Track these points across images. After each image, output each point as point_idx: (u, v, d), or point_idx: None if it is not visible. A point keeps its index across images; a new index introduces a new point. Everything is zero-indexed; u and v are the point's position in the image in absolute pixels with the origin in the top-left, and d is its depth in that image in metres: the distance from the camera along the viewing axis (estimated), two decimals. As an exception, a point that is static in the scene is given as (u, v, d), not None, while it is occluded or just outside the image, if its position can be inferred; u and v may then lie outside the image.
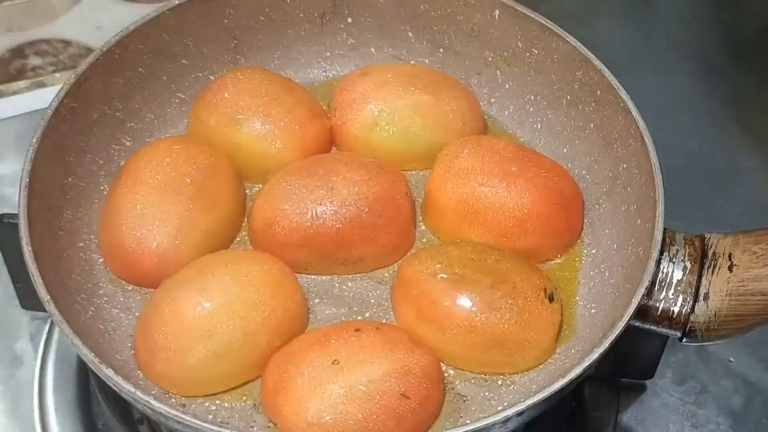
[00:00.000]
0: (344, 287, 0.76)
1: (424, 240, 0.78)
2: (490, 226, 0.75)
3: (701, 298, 0.70)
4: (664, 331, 0.71)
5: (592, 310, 0.74)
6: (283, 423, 0.67)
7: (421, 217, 0.79)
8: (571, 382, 0.64)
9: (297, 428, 0.65)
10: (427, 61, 0.86)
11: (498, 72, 0.85)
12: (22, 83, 1.05)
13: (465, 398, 0.71)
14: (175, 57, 0.83)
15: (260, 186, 0.78)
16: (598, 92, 0.78)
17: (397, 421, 0.66)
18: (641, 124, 0.73)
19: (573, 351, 0.72)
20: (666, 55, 1.10)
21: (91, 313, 0.73)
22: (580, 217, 0.78)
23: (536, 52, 0.82)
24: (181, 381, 0.69)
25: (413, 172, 0.81)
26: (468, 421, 0.69)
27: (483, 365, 0.71)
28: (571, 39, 0.79)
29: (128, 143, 0.81)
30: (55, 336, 0.86)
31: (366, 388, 0.66)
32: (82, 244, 0.76)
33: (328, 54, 0.88)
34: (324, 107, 0.83)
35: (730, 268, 0.70)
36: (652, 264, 0.68)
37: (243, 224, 0.78)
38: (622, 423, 0.83)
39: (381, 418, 0.65)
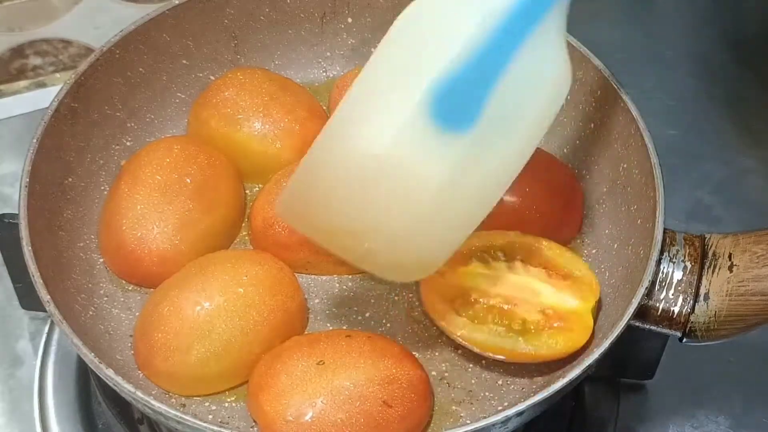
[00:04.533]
0: (344, 287, 0.76)
1: (424, 240, 0.78)
2: (490, 222, 0.75)
3: (701, 298, 0.70)
4: (664, 331, 0.71)
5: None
6: (264, 420, 0.66)
7: (421, 217, 0.79)
8: (571, 382, 0.64)
9: (276, 426, 0.65)
10: (427, 61, 0.86)
11: (498, 72, 0.85)
12: (22, 83, 1.05)
13: (465, 398, 0.71)
14: (175, 57, 0.83)
15: (260, 186, 0.78)
16: (598, 92, 0.78)
17: (376, 428, 0.66)
18: (641, 124, 0.73)
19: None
20: (666, 55, 1.10)
21: (91, 313, 0.73)
22: (579, 212, 0.78)
23: (536, 52, 0.82)
24: (180, 380, 0.69)
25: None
26: (468, 421, 0.69)
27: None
28: (571, 39, 0.79)
29: (128, 143, 0.81)
30: (55, 336, 0.86)
31: (348, 392, 0.66)
32: (82, 244, 0.76)
33: (328, 54, 0.88)
34: (324, 107, 0.83)
35: (730, 269, 0.70)
36: (652, 264, 0.68)
37: (243, 224, 0.78)
38: (622, 423, 0.83)
39: (360, 422, 0.65)
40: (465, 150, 0.58)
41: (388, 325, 0.74)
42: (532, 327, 0.69)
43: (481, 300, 0.71)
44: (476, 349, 0.71)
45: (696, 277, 0.70)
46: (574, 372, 0.64)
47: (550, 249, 0.72)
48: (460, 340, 0.71)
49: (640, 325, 0.70)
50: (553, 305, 0.70)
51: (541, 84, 0.59)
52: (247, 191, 0.80)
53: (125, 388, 0.64)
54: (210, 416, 0.69)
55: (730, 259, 0.70)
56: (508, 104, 0.58)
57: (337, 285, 0.76)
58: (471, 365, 0.72)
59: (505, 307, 0.70)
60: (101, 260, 0.76)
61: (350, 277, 0.76)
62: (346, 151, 0.58)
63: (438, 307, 0.71)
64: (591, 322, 0.70)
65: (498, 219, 0.74)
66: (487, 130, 0.58)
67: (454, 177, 0.58)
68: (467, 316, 0.70)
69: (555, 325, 0.69)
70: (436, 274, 0.68)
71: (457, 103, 0.57)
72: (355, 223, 0.60)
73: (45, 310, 0.66)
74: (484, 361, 0.72)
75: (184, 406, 0.70)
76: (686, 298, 0.70)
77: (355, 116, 0.58)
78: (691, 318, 0.70)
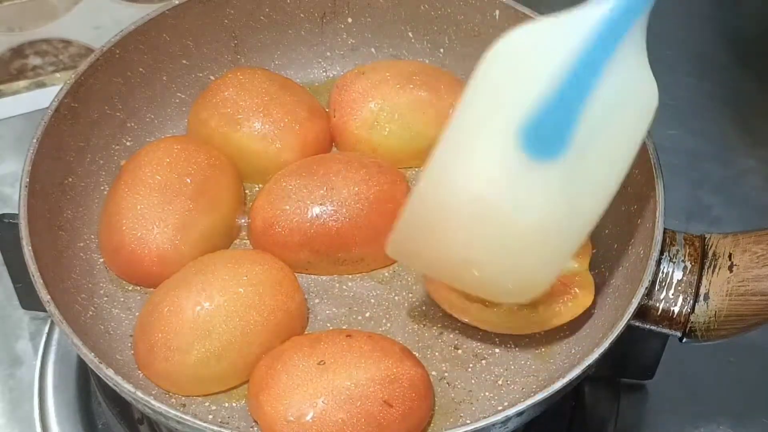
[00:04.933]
0: (344, 287, 0.76)
1: (424, 240, 0.78)
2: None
3: (701, 298, 0.70)
4: (664, 331, 0.71)
5: (593, 310, 0.74)
6: (264, 420, 0.67)
7: (421, 217, 0.79)
8: (571, 382, 0.64)
9: (276, 426, 0.65)
10: (427, 61, 0.86)
11: (498, 72, 0.85)
12: (22, 83, 1.05)
13: (465, 398, 0.71)
14: (175, 57, 0.83)
15: (260, 186, 0.78)
16: (598, 92, 0.78)
17: (377, 428, 0.66)
18: (641, 124, 0.73)
19: (573, 351, 0.72)
20: (666, 55, 1.10)
21: (91, 313, 0.73)
22: None
23: (536, 52, 0.82)
24: (180, 380, 0.69)
25: (414, 171, 0.81)
26: (468, 421, 0.69)
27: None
28: (571, 39, 0.79)
29: (128, 143, 0.81)
30: (55, 336, 0.86)
31: (349, 392, 0.66)
32: (82, 244, 0.76)
33: (328, 54, 0.88)
34: (324, 107, 0.83)
35: (730, 268, 0.70)
36: (652, 264, 0.68)
37: (243, 224, 0.78)
38: (622, 423, 0.83)
39: (361, 422, 0.65)
40: (560, 177, 0.59)
41: (388, 325, 0.74)
42: (540, 299, 0.69)
43: None
44: (488, 328, 0.71)
45: (696, 277, 0.70)
46: (574, 372, 0.64)
47: None
48: (470, 321, 0.71)
49: (640, 325, 0.70)
50: None
51: (627, 103, 0.60)
52: (247, 191, 0.80)
53: (125, 388, 0.64)
54: (210, 416, 0.69)
55: (730, 259, 0.70)
56: (597, 127, 0.59)
57: (337, 285, 0.76)
58: (471, 365, 0.72)
59: None
60: (101, 260, 0.76)
61: (350, 277, 0.76)
62: (446, 193, 0.60)
63: (444, 294, 0.71)
64: (591, 279, 0.70)
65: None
66: (580, 155, 0.59)
67: (552, 205, 0.60)
68: (478, 300, 0.70)
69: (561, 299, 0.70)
70: None
71: (547, 132, 0.58)
72: (462, 258, 0.62)
73: (45, 310, 0.67)
74: (484, 361, 0.72)
75: (184, 406, 0.70)
76: (686, 298, 0.70)
77: (452, 159, 0.60)
78: (691, 318, 0.70)
